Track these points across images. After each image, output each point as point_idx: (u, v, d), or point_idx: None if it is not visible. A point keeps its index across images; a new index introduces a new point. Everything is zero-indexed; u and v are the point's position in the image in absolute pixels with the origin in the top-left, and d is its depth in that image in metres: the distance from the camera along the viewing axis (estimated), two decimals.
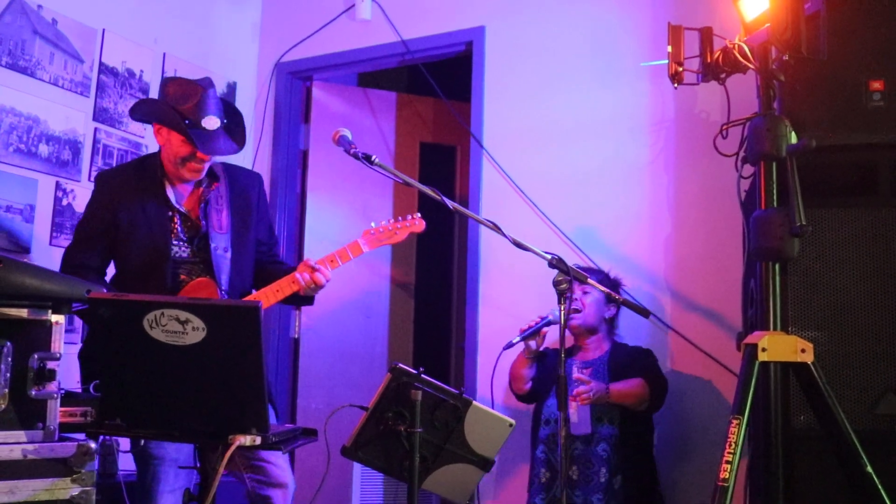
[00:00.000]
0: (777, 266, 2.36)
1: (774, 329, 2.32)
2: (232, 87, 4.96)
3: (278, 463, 3.00)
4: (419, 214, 3.09)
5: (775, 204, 2.37)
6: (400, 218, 3.13)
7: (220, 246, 3.02)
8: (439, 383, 2.47)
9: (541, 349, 3.49)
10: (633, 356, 3.52)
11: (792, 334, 2.45)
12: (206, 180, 3.09)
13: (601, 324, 3.59)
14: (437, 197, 2.77)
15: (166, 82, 3.08)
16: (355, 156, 2.84)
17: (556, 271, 2.83)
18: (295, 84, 5.05)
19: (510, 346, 3.31)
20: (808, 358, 2.26)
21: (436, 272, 5.38)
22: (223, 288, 2.98)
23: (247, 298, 3.04)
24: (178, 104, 2.94)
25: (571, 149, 4.16)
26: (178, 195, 3.07)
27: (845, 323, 2.69)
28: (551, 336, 3.47)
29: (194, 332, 2.12)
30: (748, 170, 2.60)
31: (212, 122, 2.95)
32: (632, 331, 3.71)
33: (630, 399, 3.34)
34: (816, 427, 2.38)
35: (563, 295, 2.80)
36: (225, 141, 2.98)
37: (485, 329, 4.25)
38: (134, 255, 2.98)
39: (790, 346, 2.26)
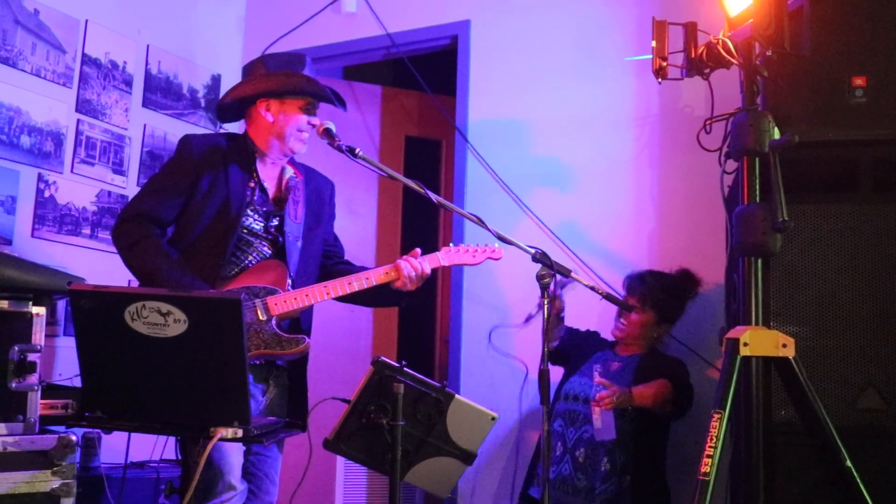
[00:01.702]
0: (759, 261, 2.36)
1: (756, 324, 2.32)
2: (216, 80, 4.93)
3: (273, 478, 2.99)
4: (499, 245, 3.05)
5: (758, 199, 2.37)
6: (478, 244, 3.10)
7: (293, 234, 2.99)
8: (422, 376, 2.47)
9: (562, 314, 3.46)
10: (664, 362, 3.47)
11: (774, 329, 2.45)
12: (291, 170, 3.08)
13: (647, 338, 3.50)
14: (421, 190, 2.77)
15: (264, 59, 3.07)
16: (339, 148, 2.83)
17: (540, 265, 2.82)
18: None
19: (530, 318, 3.42)
20: (790, 353, 2.26)
21: None
22: (291, 273, 2.94)
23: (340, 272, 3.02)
24: (294, 77, 2.97)
25: (556, 143, 4.16)
26: (265, 172, 3.03)
27: (827, 318, 2.70)
28: (582, 318, 3.52)
29: (176, 324, 2.10)
30: (731, 165, 2.60)
31: (318, 86, 2.99)
32: (611, 326, 3.70)
33: (652, 399, 3.25)
34: (797, 421, 2.38)
35: (545, 289, 2.80)
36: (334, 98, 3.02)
37: (469, 323, 4.25)
38: (204, 219, 2.89)
39: (772, 341, 2.27)
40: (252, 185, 2.98)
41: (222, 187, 2.90)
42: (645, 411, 3.28)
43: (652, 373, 3.36)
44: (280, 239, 2.96)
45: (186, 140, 3.00)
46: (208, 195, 2.89)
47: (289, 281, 2.91)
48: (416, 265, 2.96)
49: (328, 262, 3.18)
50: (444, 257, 3.05)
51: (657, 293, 3.46)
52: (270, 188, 3.02)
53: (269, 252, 2.95)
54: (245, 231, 2.91)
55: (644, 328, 3.47)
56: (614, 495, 3.23)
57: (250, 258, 2.92)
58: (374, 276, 2.94)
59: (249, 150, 3.00)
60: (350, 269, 3.15)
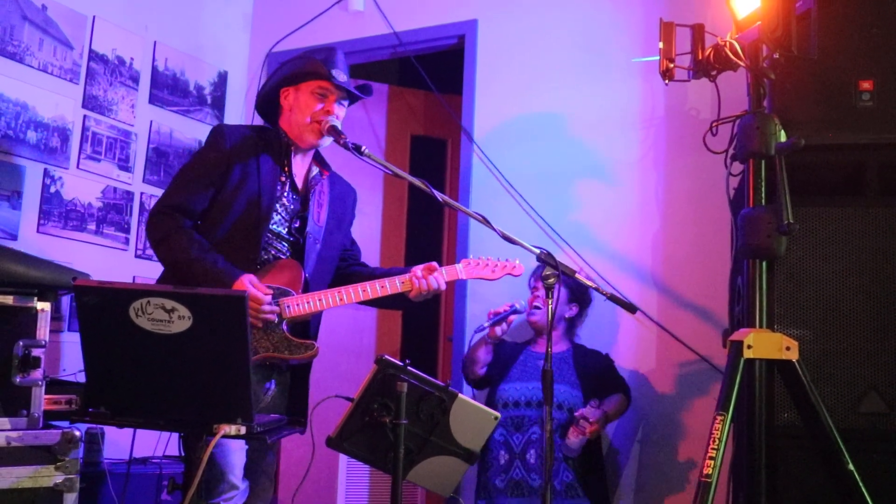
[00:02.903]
0: (764, 264, 2.36)
1: (760, 326, 2.33)
2: (223, 77, 4.94)
3: (271, 475, 2.98)
4: (518, 261, 3.04)
5: (763, 202, 2.37)
6: (498, 258, 3.07)
7: (313, 236, 2.96)
8: (425, 375, 2.47)
9: (503, 335, 3.59)
10: (598, 361, 3.63)
11: (777, 332, 2.46)
12: (317, 169, 3.05)
13: (560, 322, 3.63)
14: (427, 189, 2.76)
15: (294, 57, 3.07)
16: (345, 146, 2.82)
17: (544, 266, 2.83)
18: None
19: (481, 329, 3.52)
20: (793, 356, 2.26)
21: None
22: (307, 275, 2.92)
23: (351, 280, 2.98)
24: (309, 61, 2.94)
25: (561, 144, 4.16)
26: (297, 166, 3.00)
27: (830, 321, 2.70)
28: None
29: (180, 320, 2.11)
30: (737, 167, 2.60)
31: (341, 76, 2.93)
32: (616, 327, 3.71)
33: (619, 416, 3.56)
34: (800, 425, 2.39)
35: (550, 290, 2.80)
36: (354, 88, 2.96)
37: (473, 322, 4.24)
38: (234, 212, 2.86)
39: (775, 344, 2.27)
40: (283, 178, 2.95)
41: (254, 179, 2.88)
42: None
43: (591, 370, 3.56)
44: (301, 240, 2.95)
45: (219, 130, 2.97)
46: (239, 187, 2.87)
47: (303, 283, 2.90)
48: (433, 283, 2.91)
49: (343, 264, 3.16)
50: (463, 271, 3.01)
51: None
52: (299, 183, 3.00)
53: (289, 252, 2.94)
54: (271, 231, 2.90)
55: (558, 305, 3.53)
56: (570, 482, 3.40)
57: (269, 256, 2.91)
58: (390, 286, 2.92)
59: (283, 141, 2.97)
60: (363, 271, 3.13)
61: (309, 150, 3.01)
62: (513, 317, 3.50)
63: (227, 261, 2.76)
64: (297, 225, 2.96)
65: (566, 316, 3.65)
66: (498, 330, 3.52)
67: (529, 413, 3.49)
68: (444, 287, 2.95)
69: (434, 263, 2.95)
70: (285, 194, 2.94)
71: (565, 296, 3.61)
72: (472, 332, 3.41)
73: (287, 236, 2.93)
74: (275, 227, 2.91)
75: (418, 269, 2.92)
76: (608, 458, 3.74)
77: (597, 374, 3.56)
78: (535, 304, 3.60)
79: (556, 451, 3.39)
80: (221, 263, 2.74)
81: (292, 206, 2.95)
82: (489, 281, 3.05)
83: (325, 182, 3.07)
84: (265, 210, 2.86)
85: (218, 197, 2.88)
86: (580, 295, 3.67)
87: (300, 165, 3.02)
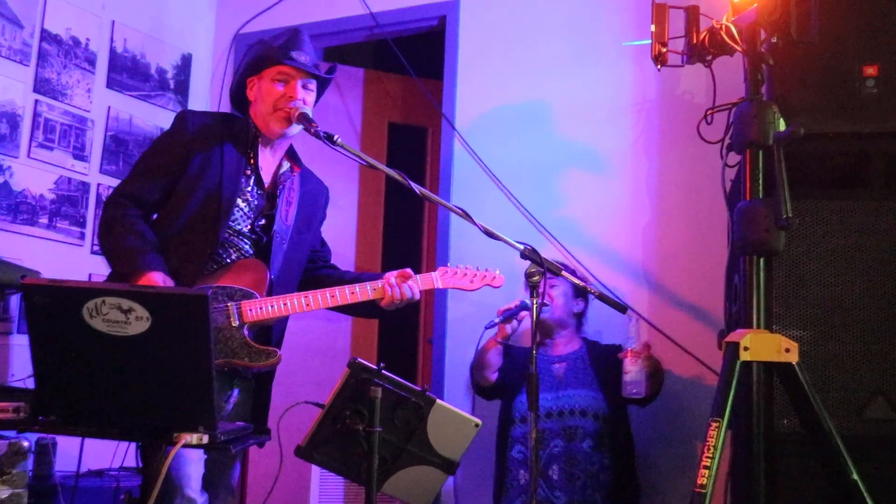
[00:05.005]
0: (762, 260, 2.36)
1: (758, 327, 2.33)
2: (187, 60, 4.90)
3: (232, 488, 2.96)
4: (499, 271, 3.06)
5: (761, 195, 2.37)
6: (478, 268, 3.07)
7: (280, 235, 2.95)
8: (401, 380, 2.46)
9: (514, 335, 3.53)
10: (614, 353, 3.51)
11: (776, 332, 2.46)
12: (288, 164, 3.03)
13: (570, 318, 3.60)
14: (404, 181, 2.75)
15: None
16: (316, 135, 2.80)
17: (529, 262, 2.82)
18: None
19: (492, 325, 3.41)
20: (793, 358, 2.26)
21: (403, 261, 5.32)
22: (272, 277, 2.90)
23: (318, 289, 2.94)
24: (266, 47, 2.95)
25: (548, 132, 4.16)
26: (264, 159, 2.99)
27: (833, 321, 2.70)
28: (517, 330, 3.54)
29: (138, 321, 2.08)
30: (734, 158, 2.60)
31: (302, 57, 2.92)
32: (606, 327, 3.70)
33: (658, 377, 3.38)
34: (801, 431, 2.39)
35: (535, 287, 2.79)
36: (315, 67, 2.94)
37: (454, 323, 4.24)
38: (192, 203, 2.85)
39: (774, 345, 2.27)
40: (248, 172, 2.94)
41: (215, 170, 2.87)
42: (608, 407, 3.40)
43: (610, 365, 3.43)
44: (264, 238, 2.93)
45: (182, 116, 2.98)
46: (199, 177, 2.86)
47: (268, 284, 2.88)
48: (406, 292, 2.92)
49: (311, 265, 3.14)
50: (439, 279, 3.02)
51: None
52: (266, 178, 2.98)
53: (252, 251, 2.92)
54: (231, 229, 2.88)
55: (566, 300, 3.55)
56: (597, 500, 3.30)
57: (233, 255, 2.89)
58: (360, 293, 2.91)
59: (250, 131, 2.96)
60: (333, 274, 3.11)
61: (279, 142, 2.99)
62: (524, 313, 3.41)
63: (157, 254, 2.76)
64: (262, 223, 2.93)
65: (574, 311, 3.60)
66: (508, 328, 3.45)
67: (550, 425, 3.39)
68: (418, 296, 2.95)
69: (409, 270, 2.95)
70: (249, 188, 2.92)
71: (570, 290, 3.56)
72: (483, 328, 3.33)
73: (249, 234, 2.92)
74: (235, 223, 2.89)
75: (392, 276, 2.92)
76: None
77: (617, 370, 3.41)
78: (543, 300, 3.53)
79: (585, 466, 3.33)
80: (144, 255, 2.73)
81: (256, 202, 2.93)
82: (467, 291, 3.06)
83: (296, 179, 3.06)
84: (226, 204, 2.85)
85: (177, 188, 2.87)
86: (584, 288, 3.63)
87: (269, 159, 3.00)
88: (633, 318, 3.35)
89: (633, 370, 3.24)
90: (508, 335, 3.50)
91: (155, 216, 2.95)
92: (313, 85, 2.98)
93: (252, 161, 2.94)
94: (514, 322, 3.46)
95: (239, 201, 2.89)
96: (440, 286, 3.04)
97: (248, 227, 2.92)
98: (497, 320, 3.41)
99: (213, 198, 2.85)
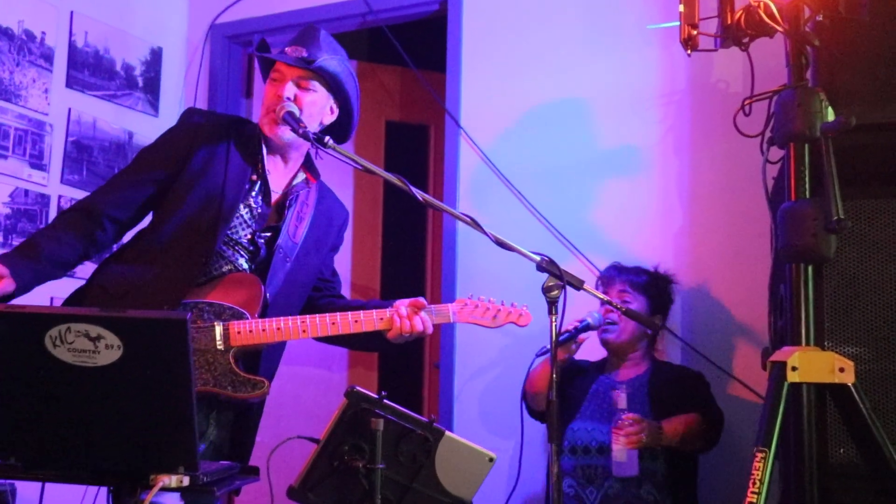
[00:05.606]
0: (810, 268, 2.37)
1: (807, 344, 2.33)
2: (157, 54, 4.92)
3: None
4: (527, 306, 3.01)
5: (808, 194, 2.38)
6: (502, 303, 3.03)
7: (284, 251, 2.95)
8: (405, 410, 2.46)
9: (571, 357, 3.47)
10: (682, 381, 3.49)
11: (828, 350, 2.45)
12: (304, 175, 3.06)
13: (641, 340, 3.54)
14: (405, 186, 2.75)
15: None
16: (305, 136, 2.81)
17: (546, 276, 2.82)
18: (234, 50, 5.02)
19: (545, 352, 3.22)
20: (848, 378, 2.26)
21: (405, 276, 5.36)
22: (268, 296, 2.89)
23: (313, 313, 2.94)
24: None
25: (565, 128, 4.17)
26: (271, 164, 3.00)
27: (892, 336, 2.69)
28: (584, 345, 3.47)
29: (108, 350, 2.08)
30: (776, 153, 2.60)
31: (295, 51, 2.94)
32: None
33: (681, 437, 3.29)
34: (858, 461, 2.39)
35: (553, 303, 2.79)
36: (300, 61, 2.92)
37: (463, 345, 4.24)
38: (188, 205, 2.86)
39: (826, 365, 2.27)
40: (254, 177, 2.96)
41: (219, 170, 2.89)
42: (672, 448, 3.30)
43: (673, 396, 3.38)
44: (262, 251, 2.94)
45: (189, 111, 3.09)
46: (200, 172, 2.88)
47: (262, 304, 2.87)
48: (418, 325, 2.88)
49: (315, 294, 3.14)
50: (456, 314, 2.98)
51: (639, 274, 3.55)
52: (276, 187, 2.99)
53: (246, 266, 2.93)
54: (225, 239, 2.89)
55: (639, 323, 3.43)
56: None
57: (224, 267, 2.90)
58: (365, 321, 2.88)
59: (259, 136, 2.98)
60: (336, 303, 3.11)
61: (290, 150, 3.01)
62: (584, 335, 3.36)
63: (25, 259, 2.83)
64: (266, 235, 2.95)
65: (648, 331, 3.51)
66: (565, 354, 3.37)
67: (605, 462, 3.29)
68: (430, 331, 2.92)
69: (422, 300, 2.93)
70: (254, 194, 2.94)
71: (645, 304, 3.50)
72: (533, 356, 3.18)
73: (248, 245, 2.92)
74: (233, 232, 2.90)
75: (402, 306, 2.90)
76: None
77: (677, 396, 3.38)
78: (610, 317, 3.46)
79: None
80: (20, 249, 2.82)
81: (260, 211, 2.95)
82: (487, 328, 3.01)
83: (312, 193, 3.07)
84: (227, 208, 2.86)
85: (174, 184, 2.89)
86: (663, 301, 3.57)
87: (279, 167, 3.02)
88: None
89: (615, 448, 3.18)
90: (568, 358, 3.43)
91: (151, 215, 2.98)
92: (315, 85, 2.96)
93: (260, 167, 2.96)
94: (573, 346, 3.38)
95: (241, 207, 2.91)
96: (456, 321, 3.00)
97: (248, 237, 2.93)
98: (563, 338, 3.27)
99: (213, 199, 2.86)
